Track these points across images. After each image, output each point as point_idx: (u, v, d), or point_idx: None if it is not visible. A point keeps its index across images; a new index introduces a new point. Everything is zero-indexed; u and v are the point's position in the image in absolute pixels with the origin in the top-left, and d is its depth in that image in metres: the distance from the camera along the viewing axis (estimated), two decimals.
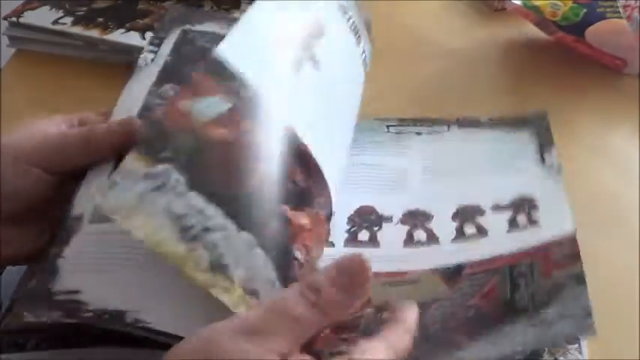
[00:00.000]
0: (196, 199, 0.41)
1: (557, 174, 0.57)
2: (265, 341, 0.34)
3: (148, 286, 0.40)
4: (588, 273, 0.50)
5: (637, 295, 0.51)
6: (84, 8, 0.78)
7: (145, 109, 0.49)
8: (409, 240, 0.54)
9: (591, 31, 0.73)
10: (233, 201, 0.42)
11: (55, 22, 0.76)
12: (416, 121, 0.65)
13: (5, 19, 0.77)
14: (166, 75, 0.52)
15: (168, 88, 0.50)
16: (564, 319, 0.45)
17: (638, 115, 0.68)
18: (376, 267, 0.52)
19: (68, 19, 0.76)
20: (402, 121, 0.65)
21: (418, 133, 0.64)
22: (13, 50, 0.79)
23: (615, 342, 0.46)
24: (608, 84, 0.72)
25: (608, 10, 0.73)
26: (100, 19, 0.76)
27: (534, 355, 0.45)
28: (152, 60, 0.54)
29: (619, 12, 0.71)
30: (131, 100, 0.51)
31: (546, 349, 0.47)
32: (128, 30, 0.74)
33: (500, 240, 0.53)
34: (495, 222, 0.54)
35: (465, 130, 0.64)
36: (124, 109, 0.50)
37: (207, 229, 0.40)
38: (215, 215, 0.41)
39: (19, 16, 0.76)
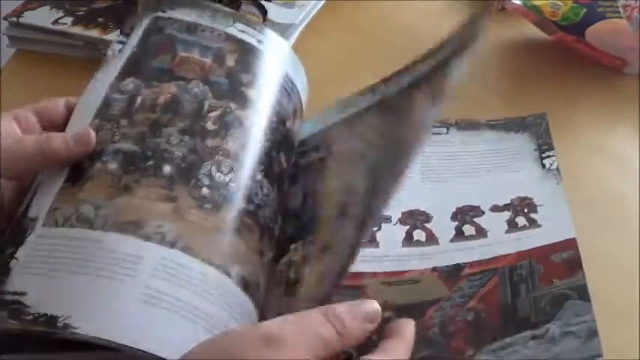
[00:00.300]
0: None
1: (557, 177, 0.57)
2: (286, 351, 0.34)
3: (86, 293, 0.39)
4: (588, 272, 0.50)
5: (637, 295, 0.51)
6: (84, 8, 0.78)
7: (105, 105, 0.47)
8: (408, 239, 0.54)
9: (591, 31, 0.73)
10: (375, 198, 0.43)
11: (55, 22, 0.76)
12: None
13: (5, 19, 0.77)
14: (129, 68, 0.49)
15: (129, 82, 0.48)
16: (568, 337, 0.45)
17: (638, 115, 0.68)
18: (375, 267, 0.52)
19: (68, 19, 0.76)
20: None
21: None
22: (13, 50, 0.79)
23: (615, 342, 0.46)
24: (608, 84, 0.72)
25: (608, 10, 0.73)
26: (100, 19, 0.76)
27: None
28: (120, 50, 0.51)
29: (619, 12, 0.71)
30: (95, 93, 0.49)
31: None
32: None
33: (499, 240, 0.53)
34: (494, 222, 0.54)
35: (464, 133, 0.64)
36: (86, 104, 0.49)
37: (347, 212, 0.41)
38: (359, 202, 0.42)
39: (19, 16, 0.76)
